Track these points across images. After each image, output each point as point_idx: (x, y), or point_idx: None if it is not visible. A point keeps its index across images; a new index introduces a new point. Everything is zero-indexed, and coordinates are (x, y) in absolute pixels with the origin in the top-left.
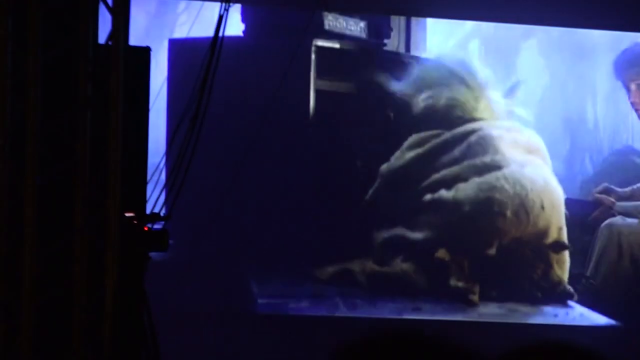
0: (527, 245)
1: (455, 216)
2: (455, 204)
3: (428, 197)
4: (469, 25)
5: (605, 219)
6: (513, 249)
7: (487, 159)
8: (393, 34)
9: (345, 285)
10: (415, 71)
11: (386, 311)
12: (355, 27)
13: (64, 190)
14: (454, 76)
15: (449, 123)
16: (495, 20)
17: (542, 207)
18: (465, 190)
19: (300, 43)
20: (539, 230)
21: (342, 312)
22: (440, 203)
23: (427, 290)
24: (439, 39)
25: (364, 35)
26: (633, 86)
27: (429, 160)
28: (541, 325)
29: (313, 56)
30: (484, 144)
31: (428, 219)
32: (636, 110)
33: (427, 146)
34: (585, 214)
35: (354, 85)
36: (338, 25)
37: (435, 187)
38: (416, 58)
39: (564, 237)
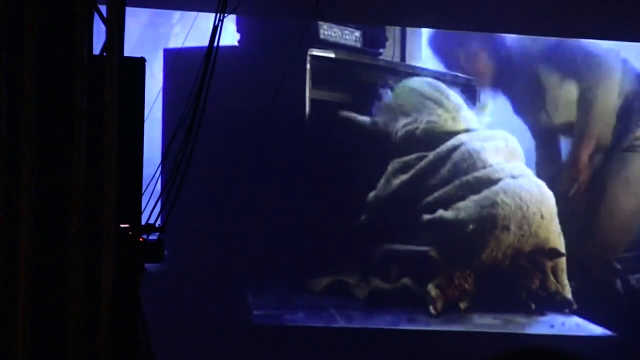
0: (525, 255)
1: (457, 234)
2: (458, 222)
3: (426, 217)
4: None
5: None
6: (510, 260)
7: (478, 174)
8: (388, 43)
9: (340, 297)
10: (389, 100)
11: (382, 322)
12: (351, 36)
13: (59, 200)
14: (428, 100)
15: (429, 145)
16: (489, 31)
17: (542, 217)
18: (465, 209)
19: (296, 52)
20: (540, 239)
21: (338, 323)
22: (441, 223)
23: (422, 302)
24: (434, 48)
25: (359, 44)
26: None
27: (417, 185)
28: (537, 335)
29: (308, 65)
30: (469, 159)
31: (427, 236)
32: None
33: (412, 171)
34: None
35: (350, 95)
36: (333, 34)
37: (431, 208)
38: (411, 67)
39: (561, 244)
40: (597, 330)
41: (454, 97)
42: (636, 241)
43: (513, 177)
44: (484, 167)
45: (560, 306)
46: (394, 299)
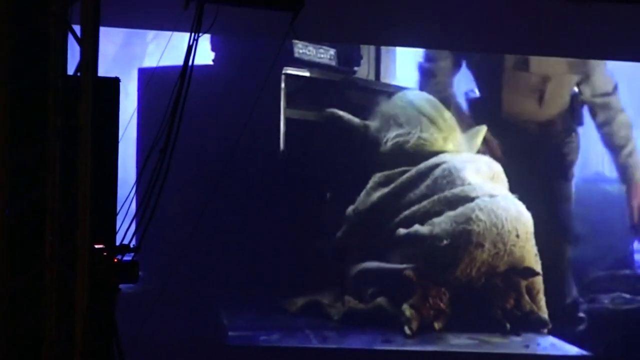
0: (499, 274)
1: (432, 249)
2: (432, 238)
3: (402, 231)
4: (436, 54)
5: None
6: (485, 279)
7: (456, 190)
8: (363, 61)
9: (315, 317)
10: (384, 108)
11: (357, 343)
12: (325, 54)
13: (33, 221)
14: (424, 116)
15: (415, 160)
16: (464, 50)
17: (517, 236)
18: (440, 224)
19: (270, 71)
20: (515, 258)
21: (313, 343)
22: (416, 238)
23: (397, 322)
24: (409, 67)
25: (333, 63)
26: None
27: (396, 199)
28: (513, 355)
29: (283, 84)
30: (449, 176)
31: (402, 252)
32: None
33: (392, 185)
34: None
35: (324, 113)
36: (308, 53)
37: (407, 222)
38: (387, 86)
39: (537, 265)
40: (572, 350)
41: (449, 117)
42: (611, 261)
43: (491, 195)
44: (462, 185)
45: (535, 326)
46: (369, 319)
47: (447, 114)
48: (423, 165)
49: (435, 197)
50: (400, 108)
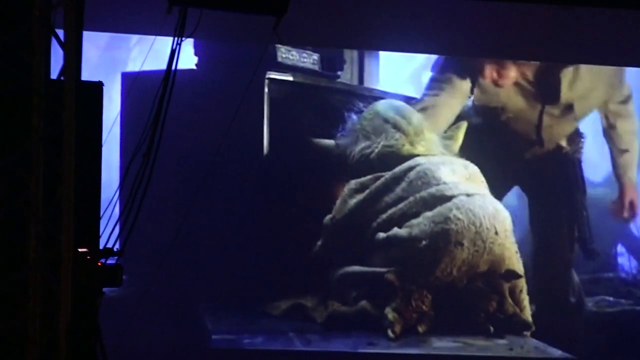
0: (481, 276)
1: (412, 251)
2: (412, 239)
3: (381, 235)
4: (421, 57)
5: None
6: (467, 280)
7: (432, 190)
8: (346, 66)
9: (299, 321)
10: (353, 124)
11: (341, 346)
12: (308, 59)
13: (17, 226)
14: (388, 124)
15: (383, 168)
16: (445, 54)
17: (496, 233)
18: (418, 225)
19: (254, 75)
20: (495, 256)
21: (297, 346)
22: (395, 240)
23: (381, 325)
24: (392, 71)
25: (317, 67)
26: None
27: (372, 204)
28: (496, 357)
29: (266, 88)
30: (425, 177)
31: (383, 255)
32: None
33: (367, 191)
34: None
35: (308, 118)
36: (291, 57)
37: (385, 226)
38: (369, 90)
39: (519, 264)
40: (556, 352)
41: (417, 120)
42: (594, 265)
43: (468, 194)
44: (438, 184)
45: (519, 329)
46: (352, 322)
47: (416, 117)
48: (398, 169)
49: (412, 198)
50: (368, 120)
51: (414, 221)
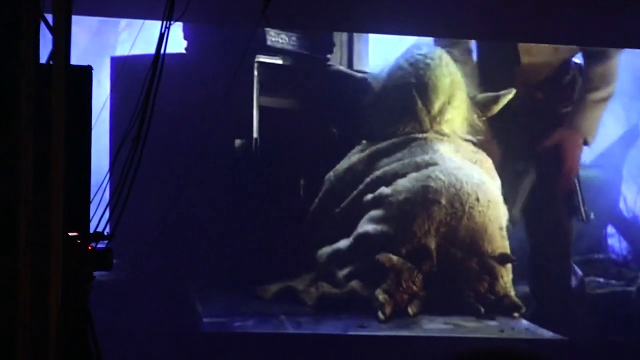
0: (473, 258)
1: (393, 209)
2: (393, 196)
3: (369, 196)
4: (410, 40)
5: None
6: (458, 262)
7: (426, 157)
8: (335, 49)
9: (289, 303)
10: (367, 86)
11: (331, 328)
12: (298, 42)
13: (6, 210)
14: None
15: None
16: (435, 36)
17: (477, 199)
18: (403, 184)
19: (243, 59)
20: (476, 224)
21: (288, 329)
22: (380, 199)
23: (371, 306)
24: (382, 54)
25: (306, 50)
26: None
27: (371, 161)
28: (487, 339)
29: (256, 72)
30: (426, 147)
31: (368, 216)
32: None
33: (369, 150)
34: None
35: (297, 101)
36: (280, 40)
37: (374, 185)
38: (359, 72)
39: (502, 243)
40: (547, 334)
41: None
42: (585, 246)
43: (458, 167)
44: (434, 154)
45: (509, 310)
46: (343, 304)
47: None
48: (404, 138)
49: (406, 160)
50: (380, 86)
51: (400, 181)
